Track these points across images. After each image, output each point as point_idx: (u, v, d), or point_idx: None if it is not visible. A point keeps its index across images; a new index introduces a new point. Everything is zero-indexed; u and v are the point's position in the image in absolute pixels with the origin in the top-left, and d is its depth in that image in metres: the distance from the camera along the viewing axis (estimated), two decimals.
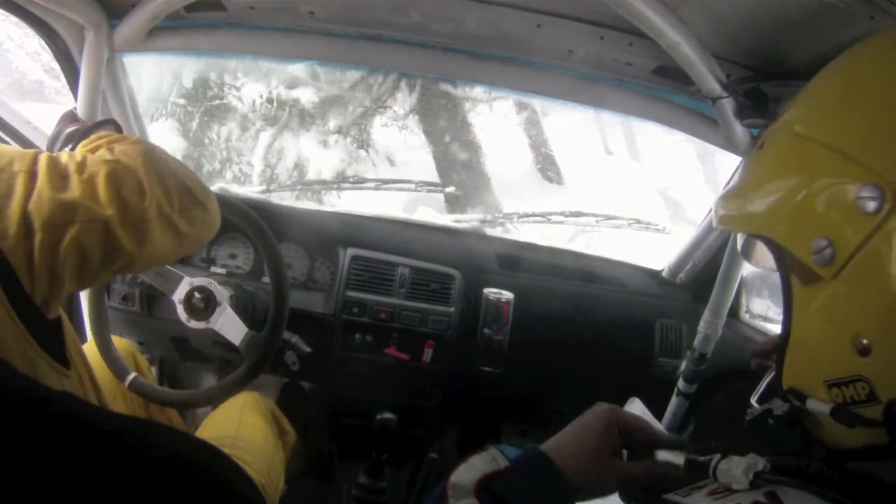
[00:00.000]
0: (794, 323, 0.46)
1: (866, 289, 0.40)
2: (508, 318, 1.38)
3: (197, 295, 1.10)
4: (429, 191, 2.00)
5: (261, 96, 3.94)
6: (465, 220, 1.70)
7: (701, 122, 1.16)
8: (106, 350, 1.12)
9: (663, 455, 0.57)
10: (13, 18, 1.03)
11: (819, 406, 0.43)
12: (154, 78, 3.49)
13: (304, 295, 1.37)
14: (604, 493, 0.57)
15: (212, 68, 3.81)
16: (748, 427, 0.51)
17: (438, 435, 1.56)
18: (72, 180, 0.63)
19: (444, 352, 1.37)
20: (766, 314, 1.49)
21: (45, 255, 0.59)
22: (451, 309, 1.38)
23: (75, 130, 0.91)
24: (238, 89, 3.93)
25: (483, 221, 1.68)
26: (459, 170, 4.27)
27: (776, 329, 1.39)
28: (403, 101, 4.14)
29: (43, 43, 1.12)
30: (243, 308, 1.19)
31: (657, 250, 1.68)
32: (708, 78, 0.96)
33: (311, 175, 3.94)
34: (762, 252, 0.54)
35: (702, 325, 1.21)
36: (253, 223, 1.12)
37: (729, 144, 1.12)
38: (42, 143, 1.21)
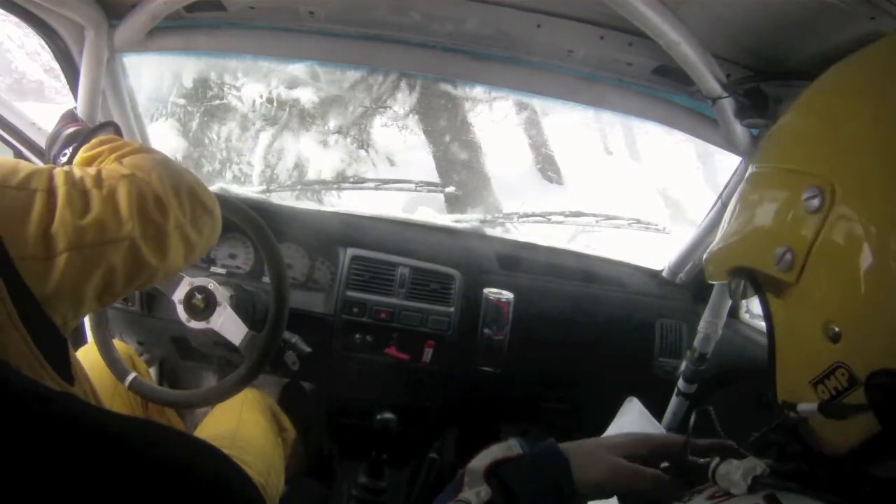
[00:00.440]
0: (776, 336, 0.49)
1: (826, 278, 0.43)
2: (508, 318, 1.38)
3: (197, 295, 1.10)
4: (429, 191, 2.00)
5: (261, 96, 3.94)
6: (465, 220, 1.70)
7: (701, 122, 1.16)
8: (106, 350, 1.12)
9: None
10: (13, 18, 1.03)
11: (808, 406, 0.44)
12: (154, 78, 3.49)
13: (304, 295, 1.37)
14: (607, 496, 0.57)
15: (212, 68, 3.81)
16: (752, 450, 0.52)
17: (438, 435, 1.56)
18: (92, 198, 0.63)
19: (444, 352, 1.37)
20: None
21: (70, 276, 0.58)
22: (451, 309, 1.38)
23: (76, 132, 0.91)
24: (238, 89, 3.93)
25: (483, 221, 1.68)
26: (459, 170, 4.27)
27: None
28: (403, 101, 4.14)
29: (43, 43, 1.12)
30: (243, 308, 1.19)
31: (657, 250, 1.68)
32: (708, 78, 0.96)
33: (311, 175, 3.94)
34: (743, 284, 0.57)
35: (702, 325, 1.21)
36: (253, 223, 1.12)
37: (729, 144, 1.12)
38: None
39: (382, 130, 4.21)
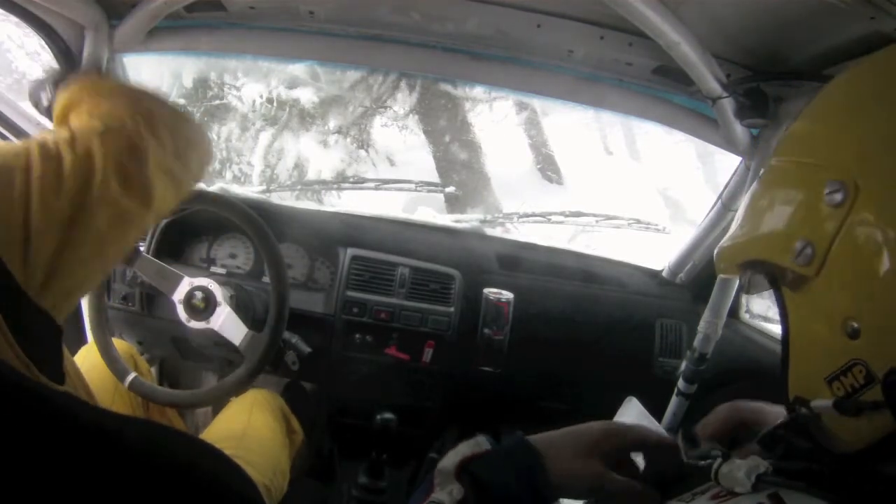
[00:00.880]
0: (791, 331, 0.48)
1: (847, 274, 0.43)
2: (508, 318, 1.38)
3: (197, 295, 1.10)
4: (429, 191, 2.00)
5: (261, 96, 3.94)
6: (465, 220, 1.70)
7: (701, 122, 1.16)
8: (106, 350, 1.12)
9: None
10: (13, 18, 1.03)
11: (823, 403, 0.44)
12: (154, 78, 3.49)
13: (304, 295, 1.37)
14: (578, 494, 0.57)
15: (212, 68, 3.81)
16: (759, 446, 0.51)
17: (438, 435, 1.56)
18: (65, 166, 0.61)
19: (444, 352, 1.37)
20: (766, 314, 1.49)
21: (57, 256, 0.56)
22: (451, 309, 1.38)
23: (58, 73, 0.87)
24: (238, 89, 3.94)
25: (483, 221, 1.68)
26: (459, 170, 4.28)
27: (776, 329, 1.39)
28: (403, 101, 4.14)
29: (43, 43, 1.12)
30: (243, 308, 1.19)
31: (657, 250, 1.68)
32: (708, 78, 0.96)
33: (311, 175, 3.94)
34: (756, 278, 0.56)
35: (702, 325, 1.21)
36: (253, 223, 1.12)
37: (729, 144, 1.12)
38: None
39: (382, 130, 4.21)
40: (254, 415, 1.19)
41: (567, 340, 1.43)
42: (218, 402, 1.26)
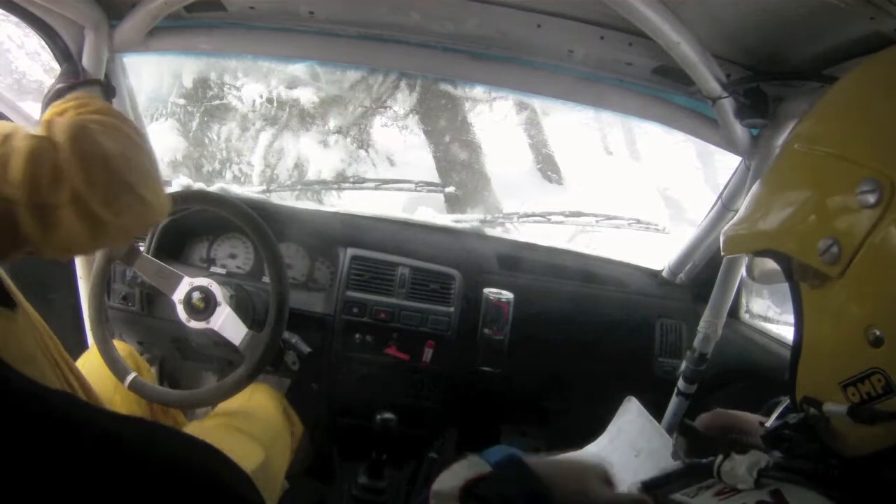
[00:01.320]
0: (805, 329, 0.47)
1: (875, 279, 0.41)
2: (508, 318, 1.38)
3: (197, 295, 1.10)
4: (429, 191, 2.00)
5: (261, 96, 3.93)
6: (465, 220, 1.70)
7: (701, 122, 1.16)
8: (106, 350, 1.12)
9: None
10: (13, 18, 1.03)
11: (836, 408, 0.43)
12: (154, 78, 3.49)
13: (304, 295, 1.37)
14: None
15: (212, 68, 3.81)
16: (764, 443, 0.50)
17: (438, 435, 1.56)
18: (13, 155, 0.60)
19: (444, 352, 1.37)
20: (766, 314, 1.49)
21: None
22: (451, 309, 1.38)
23: (59, 88, 0.88)
24: (238, 89, 3.93)
25: (483, 221, 1.68)
26: (459, 170, 4.27)
27: (776, 329, 1.39)
28: (403, 101, 4.14)
29: (43, 43, 1.12)
30: (243, 308, 1.19)
31: (657, 250, 1.68)
32: (708, 78, 0.96)
33: (311, 175, 3.93)
34: (769, 268, 0.55)
35: (702, 325, 1.21)
36: (253, 223, 1.12)
37: (729, 144, 1.12)
38: None
39: (382, 130, 4.21)
40: (254, 396, 1.18)
41: (567, 340, 1.43)
42: (218, 402, 1.26)
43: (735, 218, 0.57)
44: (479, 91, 4.06)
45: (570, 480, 0.55)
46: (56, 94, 0.86)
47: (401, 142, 4.23)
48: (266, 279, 1.28)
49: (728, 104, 1.02)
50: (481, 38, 1.10)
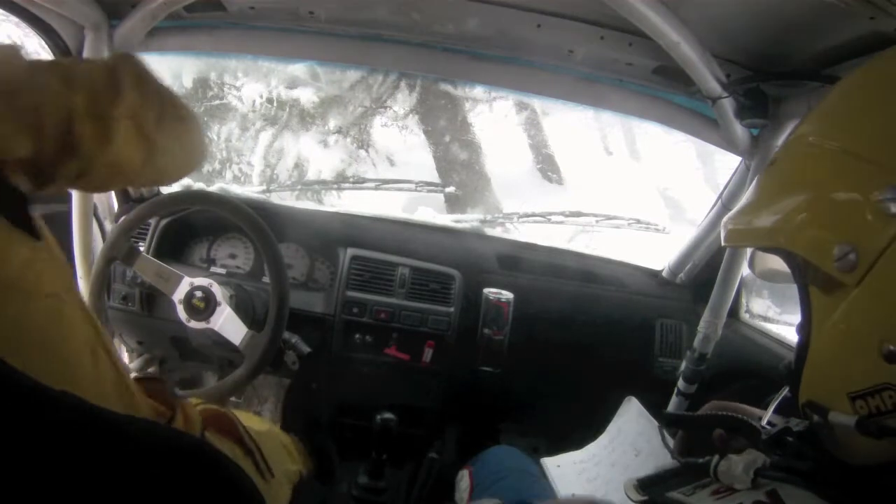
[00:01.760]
0: (813, 335, 0.45)
1: (893, 292, 0.39)
2: (508, 318, 1.38)
3: (197, 295, 1.10)
4: (429, 191, 2.00)
5: (261, 96, 3.94)
6: (465, 220, 1.70)
7: (701, 122, 1.17)
8: None
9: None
10: (13, 18, 1.03)
11: (843, 419, 0.41)
12: None
13: (304, 295, 1.37)
14: None
15: (212, 68, 3.81)
16: (764, 447, 0.49)
17: (438, 435, 1.56)
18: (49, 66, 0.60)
19: (444, 352, 1.37)
20: (766, 314, 1.49)
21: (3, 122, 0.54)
22: (451, 309, 1.38)
23: None
24: (238, 89, 3.94)
25: (483, 221, 1.68)
26: (459, 170, 4.27)
27: (776, 329, 1.39)
28: (403, 101, 4.14)
29: (43, 43, 1.12)
30: (243, 308, 1.19)
31: (657, 250, 1.69)
32: (708, 78, 0.97)
33: (311, 175, 3.94)
34: (775, 266, 0.53)
35: (702, 325, 1.21)
36: (253, 223, 1.12)
37: (729, 144, 1.12)
38: None
39: (382, 130, 4.21)
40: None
41: (567, 340, 1.43)
42: (218, 403, 1.26)
43: (738, 208, 0.54)
44: (479, 91, 4.06)
45: None
46: None
47: (401, 142, 4.23)
48: (266, 279, 1.28)
49: (728, 104, 1.02)
50: (481, 38, 1.10)
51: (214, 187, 1.57)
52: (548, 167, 4.79)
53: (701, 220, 1.42)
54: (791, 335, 1.31)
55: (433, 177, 4.10)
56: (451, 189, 3.34)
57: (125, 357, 1.44)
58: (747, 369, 1.34)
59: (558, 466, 1.06)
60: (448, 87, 4.02)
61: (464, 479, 0.99)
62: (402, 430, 1.24)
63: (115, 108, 0.63)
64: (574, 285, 1.50)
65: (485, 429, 1.62)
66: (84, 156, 0.61)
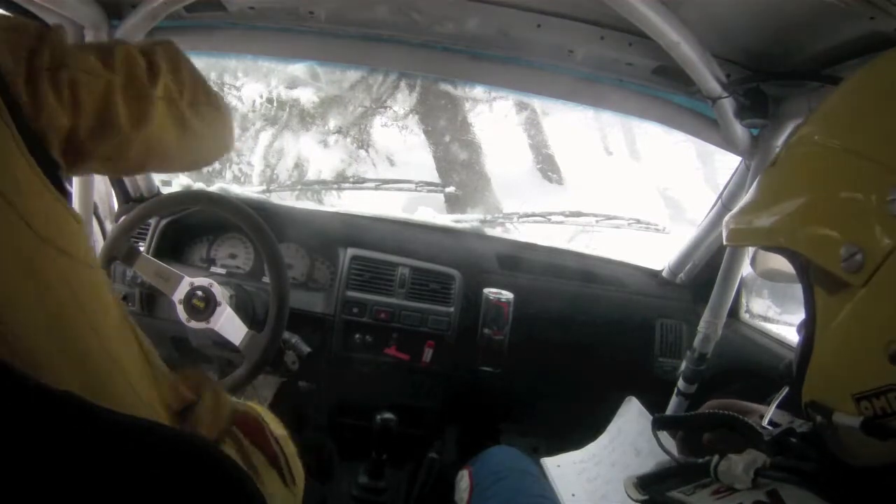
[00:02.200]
0: (818, 335, 0.45)
1: None
2: (508, 318, 1.38)
3: (197, 295, 1.10)
4: (429, 191, 2.00)
5: (261, 96, 3.94)
6: (465, 220, 1.70)
7: (701, 122, 1.17)
8: None
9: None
10: None
11: (847, 420, 0.41)
12: None
13: (304, 295, 1.37)
14: None
15: (212, 68, 3.81)
16: (767, 448, 0.49)
17: (438, 435, 1.56)
18: (92, 46, 0.62)
19: (444, 352, 1.37)
20: (766, 314, 1.49)
21: (46, 97, 0.54)
22: (451, 309, 1.38)
23: None
24: (238, 89, 3.94)
25: (483, 221, 1.68)
26: (459, 170, 4.27)
27: (776, 329, 1.39)
28: (403, 101, 4.14)
29: None
30: (243, 308, 1.19)
31: (657, 250, 1.69)
32: (708, 78, 0.97)
33: (311, 175, 3.93)
34: (778, 265, 0.53)
35: (702, 325, 1.21)
36: (253, 223, 1.12)
37: (729, 144, 1.12)
38: None
39: (382, 130, 4.21)
40: None
41: (567, 340, 1.43)
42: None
43: (740, 207, 0.54)
44: (479, 91, 4.06)
45: None
46: None
47: (401, 142, 4.23)
48: (266, 279, 1.28)
49: (728, 104, 1.02)
50: (481, 38, 1.10)
51: (214, 187, 1.57)
52: (548, 167, 4.79)
53: (701, 220, 1.42)
54: (791, 335, 1.31)
55: (433, 177, 4.10)
56: (451, 189, 3.35)
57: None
58: (747, 369, 1.34)
59: (558, 466, 1.06)
60: (448, 87, 4.02)
61: (463, 480, 0.99)
62: (402, 430, 1.24)
63: (152, 89, 0.64)
64: (574, 285, 1.50)
65: (485, 429, 1.62)
66: (121, 134, 0.62)
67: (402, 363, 1.37)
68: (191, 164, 0.84)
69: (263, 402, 1.54)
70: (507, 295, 1.39)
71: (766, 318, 1.48)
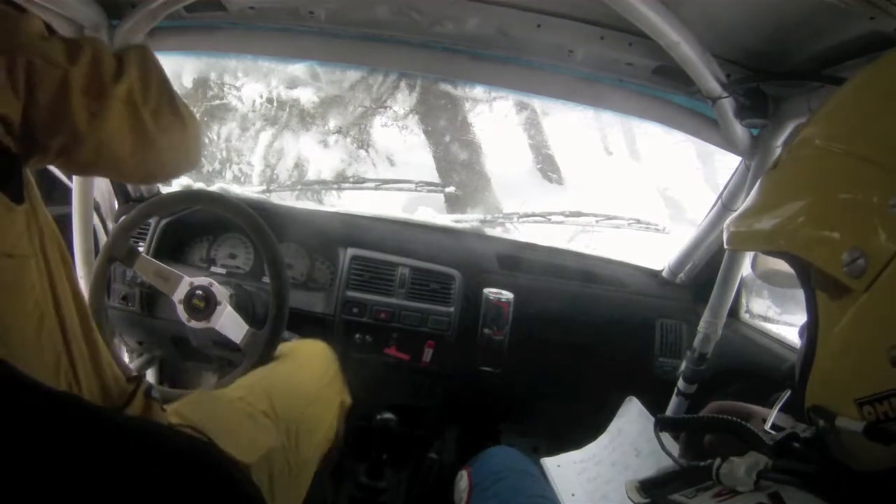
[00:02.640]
0: (820, 339, 0.45)
1: None
2: (508, 318, 1.38)
3: (197, 294, 1.10)
4: (429, 191, 2.00)
5: (261, 96, 3.93)
6: (465, 220, 1.70)
7: (701, 122, 1.17)
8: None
9: None
10: None
11: (850, 424, 0.41)
12: None
13: (304, 295, 1.37)
14: None
15: (212, 68, 3.81)
16: (770, 452, 0.49)
17: (438, 435, 1.56)
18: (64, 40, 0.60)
19: (444, 352, 1.37)
20: (766, 314, 1.49)
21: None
22: (451, 309, 1.38)
23: None
24: (238, 89, 3.93)
25: (483, 221, 1.68)
26: (459, 170, 4.27)
27: (776, 329, 1.39)
28: (403, 101, 4.14)
29: None
30: (243, 307, 1.19)
31: (657, 250, 1.69)
32: (708, 78, 0.97)
33: (311, 175, 3.93)
34: (779, 269, 0.53)
35: (702, 325, 1.21)
36: (253, 223, 1.12)
37: (729, 144, 1.12)
38: None
39: (382, 130, 4.20)
40: (300, 357, 1.13)
41: (567, 340, 1.43)
42: None
43: (741, 210, 0.54)
44: (479, 91, 4.06)
45: None
46: None
47: (401, 142, 4.22)
48: (266, 279, 1.28)
49: (728, 104, 1.02)
50: (481, 38, 1.10)
51: (214, 187, 1.57)
52: (548, 167, 4.78)
53: (701, 220, 1.42)
54: (791, 335, 1.31)
55: (433, 177, 4.09)
56: (451, 189, 3.34)
57: (125, 356, 1.44)
58: (747, 369, 1.34)
59: (558, 466, 1.05)
60: (448, 87, 4.01)
61: (462, 480, 0.99)
62: (402, 430, 1.24)
63: (113, 88, 0.62)
64: (574, 285, 1.50)
65: (485, 429, 1.62)
66: (73, 129, 0.60)
67: (402, 363, 1.37)
68: (145, 175, 0.82)
69: None
70: (507, 295, 1.39)
71: (766, 318, 1.48)
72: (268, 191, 1.76)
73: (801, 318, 0.49)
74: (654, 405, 1.08)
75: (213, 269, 1.39)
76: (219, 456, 0.37)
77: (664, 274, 1.56)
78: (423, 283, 1.39)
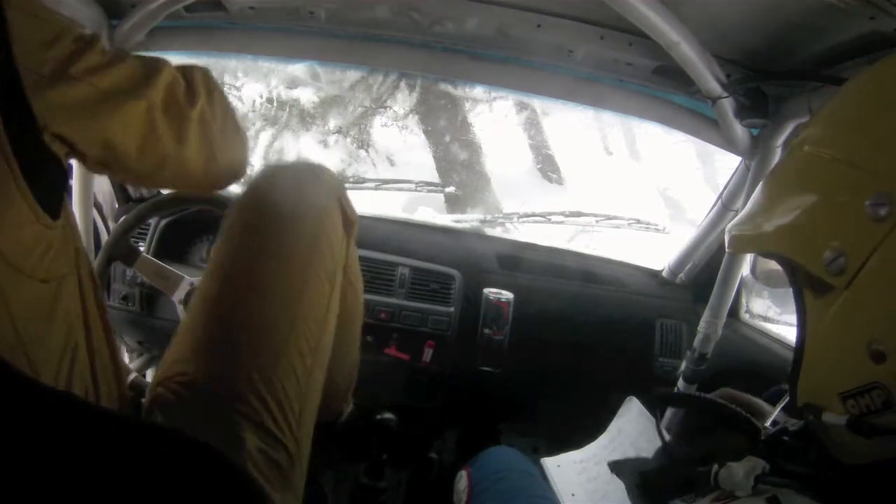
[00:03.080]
0: (808, 337, 0.47)
1: (879, 294, 0.41)
2: (508, 318, 1.38)
3: None
4: (429, 191, 2.00)
5: (261, 96, 3.93)
6: (465, 220, 1.70)
7: (701, 122, 1.17)
8: None
9: None
10: None
11: (835, 419, 0.43)
12: None
13: None
14: None
15: (212, 68, 3.79)
16: (763, 448, 0.50)
17: (438, 435, 1.56)
18: (129, 58, 0.62)
19: (444, 352, 1.37)
20: (766, 314, 1.49)
21: (81, 106, 0.55)
22: (451, 309, 1.38)
23: None
24: (238, 89, 3.93)
25: (483, 221, 1.69)
26: (459, 170, 4.27)
27: (776, 329, 1.39)
28: (403, 101, 4.14)
29: None
30: None
31: (657, 250, 1.69)
32: (708, 78, 0.97)
33: None
34: (773, 270, 0.55)
35: (702, 325, 1.21)
36: None
37: (729, 144, 1.12)
38: None
39: (382, 130, 4.20)
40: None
41: (567, 340, 1.43)
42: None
43: (740, 215, 0.56)
44: (479, 91, 4.06)
45: None
46: None
47: (401, 142, 4.22)
48: None
49: (728, 104, 1.01)
50: (481, 38, 1.10)
51: None
52: (548, 167, 4.78)
53: (701, 220, 1.42)
54: (791, 335, 1.31)
55: (433, 177, 4.09)
56: (451, 189, 3.34)
57: (125, 357, 1.44)
58: (747, 369, 1.34)
59: (558, 466, 1.06)
60: (448, 87, 4.01)
61: (462, 480, 0.99)
62: (402, 430, 1.24)
63: (190, 110, 0.66)
64: (574, 285, 1.50)
65: (485, 429, 1.62)
66: (164, 152, 0.64)
67: (402, 363, 1.37)
68: (209, 186, 0.86)
69: None
70: (507, 295, 1.39)
71: (766, 318, 1.48)
72: None
73: None
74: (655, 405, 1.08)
75: None
76: (223, 455, 0.37)
77: (664, 274, 1.56)
78: (423, 283, 1.39)
